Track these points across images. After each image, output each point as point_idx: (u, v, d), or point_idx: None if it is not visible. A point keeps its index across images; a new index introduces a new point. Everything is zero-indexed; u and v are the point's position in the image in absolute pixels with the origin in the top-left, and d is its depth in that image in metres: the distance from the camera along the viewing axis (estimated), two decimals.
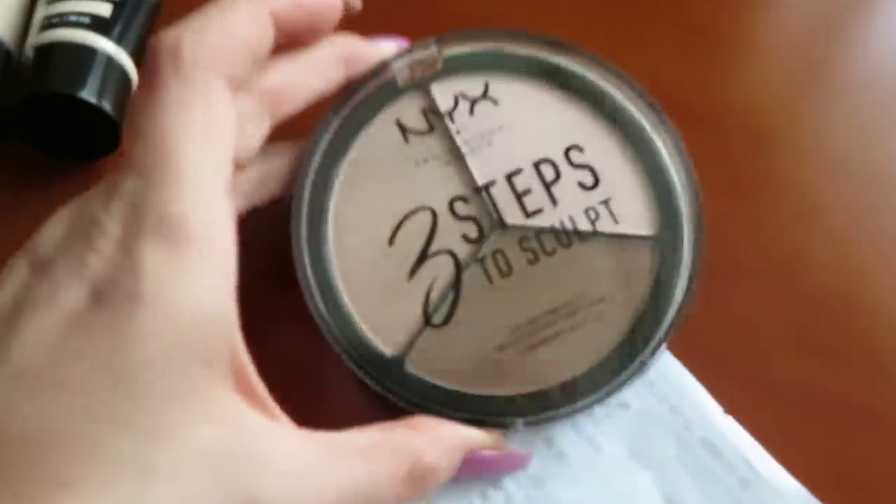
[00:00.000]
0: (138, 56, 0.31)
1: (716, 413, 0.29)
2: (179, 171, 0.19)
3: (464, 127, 0.28)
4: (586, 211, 0.27)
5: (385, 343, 0.26)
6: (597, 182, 0.28)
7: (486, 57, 0.28)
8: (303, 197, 0.27)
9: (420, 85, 0.28)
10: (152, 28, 0.32)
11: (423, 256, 0.26)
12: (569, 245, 0.27)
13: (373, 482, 0.21)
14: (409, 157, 0.27)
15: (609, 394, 0.26)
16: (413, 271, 0.26)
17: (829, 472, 0.28)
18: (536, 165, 0.27)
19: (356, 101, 0.28)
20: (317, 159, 0.27)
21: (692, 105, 0.34)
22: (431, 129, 0.28)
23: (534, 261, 0.27)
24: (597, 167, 0.28)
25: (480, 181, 0.27)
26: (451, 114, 0.28)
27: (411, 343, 0.26)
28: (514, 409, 0.26)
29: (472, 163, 0.27)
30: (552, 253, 0.27)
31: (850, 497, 0.28)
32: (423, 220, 0.27)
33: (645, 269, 0.27)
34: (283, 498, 0.19)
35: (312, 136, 0.27)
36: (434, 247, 0.27)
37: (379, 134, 0.28)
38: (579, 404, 0.26)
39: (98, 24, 0.30)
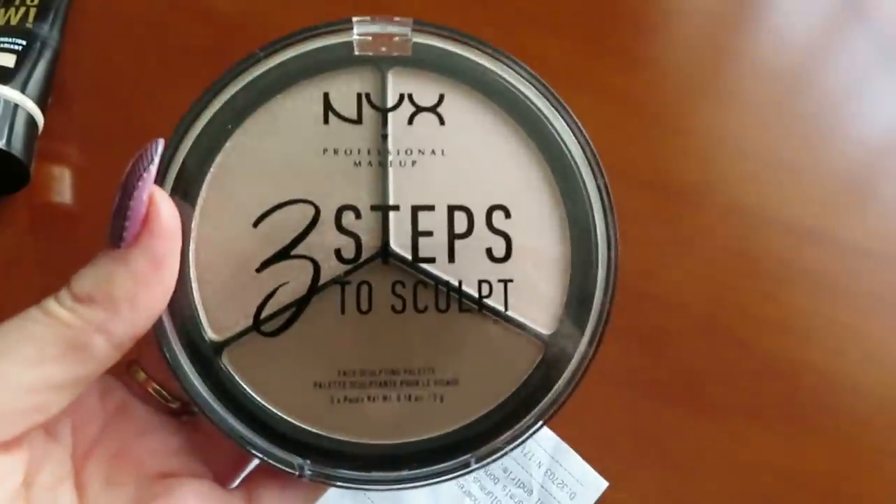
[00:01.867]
0: (43, 99, 0.35)
1: None
2: None
3: (397, 133, 0.24)
4: (481, 282, 0.24)
5: (212, 326, 0.23)
6: (507, 257, 0.24)
7: (456, 62, 0.24)
8: (188, 136, 0.23)
9: (376, 63, 0.24)
10: (54, 74, 0.36)
11: (282, 253, 0.23)
12: (444, 310, 0.24)
13: None
14: (320, 141, 0.24)
15: (414, 482, 0.23)
16: (265, 265, 0.23)
17: None
18: (451, 210, 0.24)
19: (295, 48, 0.24)
20: (228, 94, 0.24)
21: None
22: (360, 120, 0.24)
23: (399, 310, 0.23)
24: (516, 241, 0.24)
25: (384, 200, 0.24)
26: (390, 112, 0.24)
27: (234, 338, 0.23)
28: (307, 451, 0.23)
29: (388, 177, 0.24)
30: (422, 311, 0.23)
31: None
32: (302, 215, 0.23)
33: (521, 367, 0.24)
34: None
35: (231, 66, 0.24)
36: (300, 248, 0.23)
37: (299, 100, 0.24)
38: (370, 476, 0.23)
39: (2, 75, 0.34)
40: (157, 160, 0.22)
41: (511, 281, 0.24)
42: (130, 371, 0.25)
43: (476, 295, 0.24)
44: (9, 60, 0.34)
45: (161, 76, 0.37)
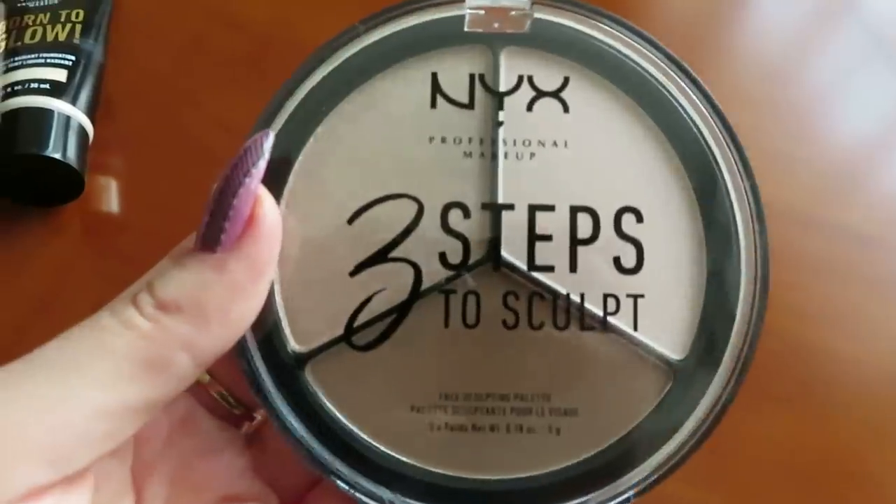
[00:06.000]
0: (92, 111, 0.36)
1: None
2: None
3: (514, 121, 0.21)
4: (606, 296, 0.20)
5: (295, 335, 0.20)
6: (639, 268, 0.20)
7: (581, 42, 0.21)
8: (277, 118, 0.20)
9: (489, 40, 0.21)
10: (101, 85, 0.37)
11: (379, 255, 0.20)
12: (564, 327, 0.20)
13: None
14: (426, 127, 0.20)
15: None
16: (360, 268, 0.20)
17: None
18: (574, 212, 0.20)
19: (397, 23, 0.21)
20: (323, 72, 0.21)
21: None
22: (472, 104, 0.21)
23: (512, 326, 0.20)
24: (648, 250, 0.20)
25: (498, 198, 0.20)
26: (507, 96, 0.21)
27: (320, 350, 0.20)
28: (398, 483, 0.20)
29: (500, 170, 0.20)
30: (538, 327, 0.20)
31: None
32: (403, 212, 0.20)
33: (646, 397, 0.20)
34: None
35: (330, 42, 0.21)
36: (399, 251, 0.20)
37: (402, 80, 0.21)
38: None
39: (55, 89, 0.35)
40: (266, 155, 0.19)
41: (642, 296, 0.20)
42: None
43: (601, 312, 0.20)
44: (61, 75, 0.35)
45: (201, 85, 0.38)
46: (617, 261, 0.20)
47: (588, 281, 0.20)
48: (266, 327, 0.20)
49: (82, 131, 0.35)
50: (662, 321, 0.20)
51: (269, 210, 0.19)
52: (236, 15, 0.40)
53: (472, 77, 0.21)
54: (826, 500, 0.32)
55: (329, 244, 0.20)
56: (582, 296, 0.20)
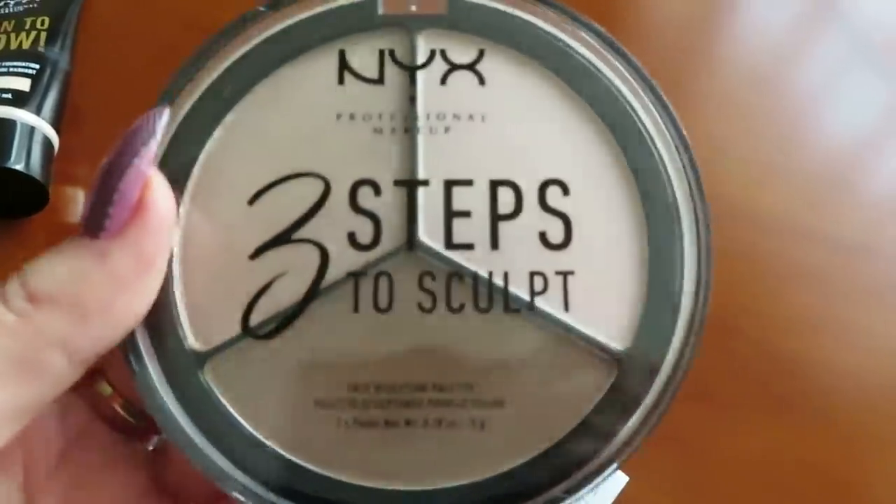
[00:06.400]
0: (57, 121, 0.35)
1: None
2: None
3: (428, 95, 0.20)
4: (533, 274, 0.18)
5: (196, 333, 0.19)
6: (566, 242, 0.19)
7: (499, 20, 0.20)
8: (181, 106, 0.19)
9: (405, 24, 0.20)
10: (67, 94, 0.36)
11: (282, 237, 0.19)
12: (486, 309, 0.18)
13: None
14: (333, 105, 0.19)
15: None
16: (259, 251, 0.18)
17: None
18: (494, 186, 0.19)
19: (307, 7, 0.20)
20: (228, 61, 0.20)
21: None
22: (381, 80, 0.20)
23: (428, 309, 0.18)
24: (577, 223, 0.19)
25: (411, 174, 0.19)
26: (419, 70, 0.20)
27: (221, 347, 0.18)
28: (299, 497, 0.18)
29: (414, 146, 0.19)
30: (457, 310, 0.18)
31: None
32: (309, 191, 0.19)
33: (582, 394, 0.18)
34: None
35: (228, 25, 0.20)
36: (304, 231, 0.19)
37: (312, 65, 0.20)
38: None
39: (18, 99, 0.34)
40: (159, 134, 0.18)
41: (572, 273, 0.18)
42: (95, 384, 0.20)
43: (527, 292, 0.18)
44: (24, 84, 0.34)
45: None
46: (543, 236, 0.19)
47: (512, 258, 0.18)
48: (161, 324, 0.18)
49: (47, 142, 0.34)
50: (600, 305, 0.19)
51: (160, 196, 0.17)
52: (207, 22, 0.40)
53: (381, 53, 0.20)
54: None
55: (229, 229, 0.19)
56: (506, 274, 0.18)
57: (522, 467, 0.18)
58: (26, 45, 0.36)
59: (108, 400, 0.20)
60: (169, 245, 0.18)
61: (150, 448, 0.21)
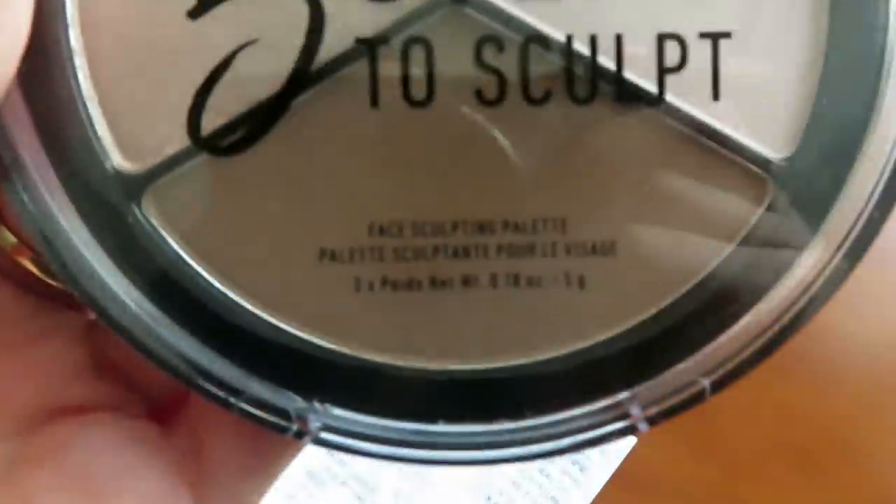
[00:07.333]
0: None
1: None
2: None
3: None
4: (662, 38, 0.11)
5: (121, 147, 0.12)
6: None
7: None
8: None
9: None
10: None
11: None
12: (586, 100, 0.11)
13: None
14: None
15: (522, 446, 0.12)
16: (207, 4, 0.11)
17: None
18: None
19: None
20: None
21: None
22: None
23: (493, 101, 0.11)
24: None
25: None
26: None
27: (162, 168, 0.12)
28: (316, 385, 0.12)
29: None
30: (539, 101, 0.11)
31: None
32: None
33: (727, 223, 0.12)
34: None
35: None
36: None
37: None
38: (436, 435, 0.12)
39: None
40: None
41: (727, 36, 0.11)
42: None
43: (652, 68, 0.11)
44: None
45: None
46: None
47: (628, 11, 0.11)
48: (68, 137, 0.11)
49: None
50: (759, 89, 0.12)
51: None
52: None
53: None
54: (817, 472, 0.32)
55: None
56: (618, 39, 0.11)
57: (632, 331, 0.12)
58: None
59: (11, 254, 0.13)
60: None
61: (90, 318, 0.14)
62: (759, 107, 0.12)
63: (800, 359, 0.32)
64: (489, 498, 0.24)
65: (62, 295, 0.14)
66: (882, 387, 0.33)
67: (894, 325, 0.34)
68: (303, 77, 0.11)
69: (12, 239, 0.14)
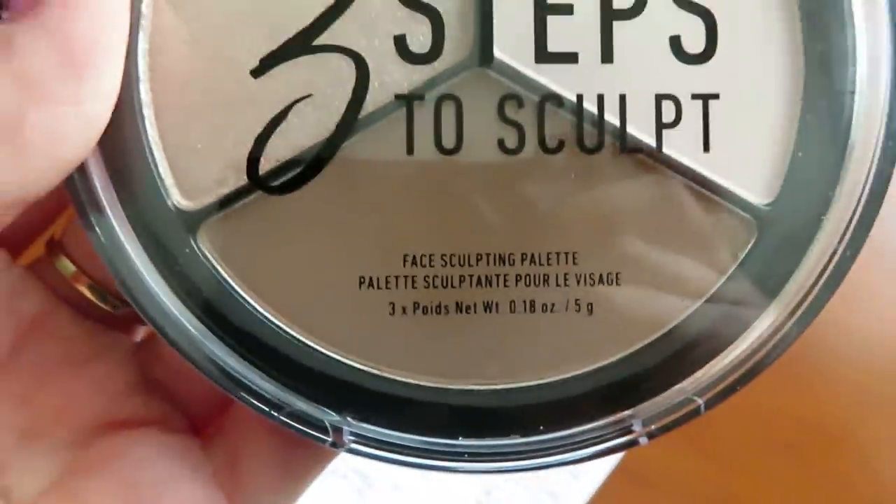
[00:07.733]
0: None
1: None
2: None
3: None
4: (660, 99, 0.13)
5: (181, 186, 0.13)
6: (710, 53, 0.13)
7: None
8: None
9: None
10: None
11: (298, 43, 0.13)
12: (594, 150, 0.13)
13: None
14: None
15: (533, 457, 0.13)
16: (268, 64, 0.13)
17: None
18: None
19: None
20: None
21: None
22: None
23: (513, 150, 0.13)
24: (723, 24, 0.13)
25: None
26: None
27: (219, 205, 0.13)
28: (349, 402, 0.13)
29: None
30: (554, 150, 0.13)
31: None
32: None
33: (718, 260, 0.13)
34: None
35: None
36: (330, 35, 0.13)
37: None
38: (459, 448, 0.13)
39: None
40: None
41: (716, 98, 0.13)
42: (52, 260, 0.15)
43: (651, 124, 0.13)
44: None
45: None
46: (676, 42, 0.13)
47: (630, 76, 0.13)
48: (133, 177, 0.13)
49: None
50: (743, 143, 0.13)
51: None
52: None
53: None
54: (814, 468, 0.32)
55: (223, 38, 0.13)
56: (622, 99, 0.13)
57: (636, 355, 0.13)
58: None
59: (70, 280, 0.15)
60: (119, 33, 0.12)
61: (137, 340, 0.16)
62: (744, 157, 0.13)
63: (794, 356, 0.34)
64: (489, 493, 0.25)
65: (114, 318, 0.16)
66: (875, 384, 0.33)
67: (889, 322, 0.34)
68: (349, 127, 0.13)
69: (71, 267, 0.15)
